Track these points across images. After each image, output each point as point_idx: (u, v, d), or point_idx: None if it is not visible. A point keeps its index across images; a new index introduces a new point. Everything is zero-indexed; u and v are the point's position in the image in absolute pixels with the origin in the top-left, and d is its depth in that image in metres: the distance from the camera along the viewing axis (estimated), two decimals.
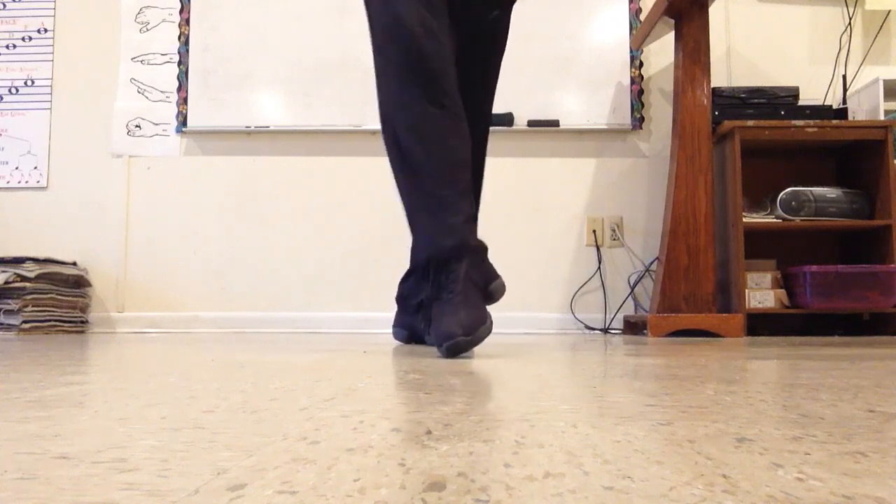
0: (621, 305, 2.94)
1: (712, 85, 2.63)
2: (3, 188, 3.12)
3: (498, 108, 2.90)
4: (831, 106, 2.76)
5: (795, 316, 2.71)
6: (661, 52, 2.98)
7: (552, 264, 2.97)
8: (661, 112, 3.01)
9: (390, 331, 1.85)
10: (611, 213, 2.99)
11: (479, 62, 1.61)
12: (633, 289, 2.94)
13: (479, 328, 1.22)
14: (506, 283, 1.50)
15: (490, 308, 1.37)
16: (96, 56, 3.15)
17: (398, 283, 1.75)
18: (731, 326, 2.37)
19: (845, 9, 3.02)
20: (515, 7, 1.67)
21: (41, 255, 2.87)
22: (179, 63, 3.09)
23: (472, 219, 1.40)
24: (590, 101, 2.97)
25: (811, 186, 2.62)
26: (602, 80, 2.98)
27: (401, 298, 1.74)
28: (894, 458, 0.36)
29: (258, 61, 3.04)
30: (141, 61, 3.13)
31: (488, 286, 1.40)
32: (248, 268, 3.03)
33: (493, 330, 1.35)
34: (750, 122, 2.57)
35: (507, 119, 2.95)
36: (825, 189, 2.61)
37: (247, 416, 0.51)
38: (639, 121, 2.98)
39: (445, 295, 1.29)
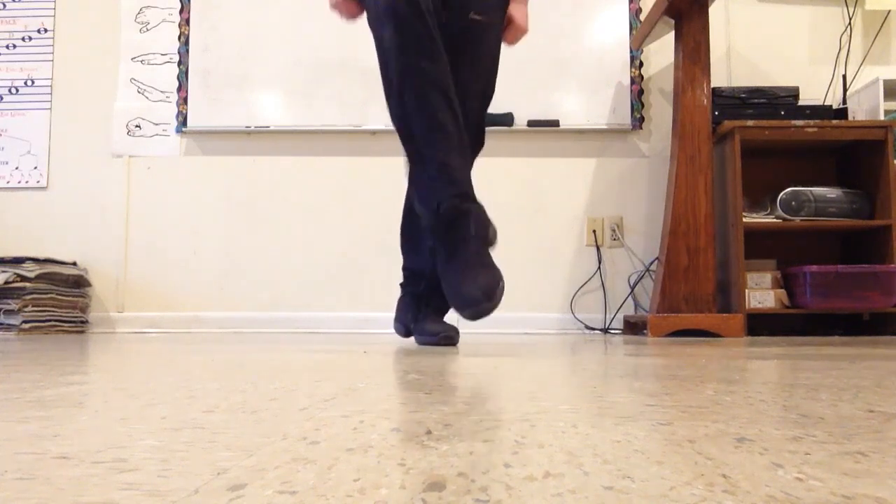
0: (621, 305, 2.94)
1: (712, 85, 2.63)
2: (3, 188, 3.12)
3: (498, 108, 2.92)
4: (831, 106, 2.76)
5: (795, 316, 2.71)
6: (661, 52, 2.98)
7: (552, 264, 2.97)
8: (661, 112, 3.01)
9: (390, 331, 1.88)
10: (611, 213, 2.99)
11: (464, 67, 1.60)
12: (633, 289, 2.94)
13: (496, 290, 1.27)
14: (506, 281, 1.52)
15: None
16: (96, 56, 3.15)
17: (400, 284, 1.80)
18: (731, 326, 2.37)
19: (845, 9, 3.02)
20: None
21: (41, 255, 2.87)
22: (179, 63, 3.09)
23: (469, 180, 1.44)
24: (590, 101, 2.97)
25: (811, 186, 2.62)
26: (602, 80, 2.98)
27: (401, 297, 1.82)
28: (894, 458, 0.36)
29: (258, 61, 3.04)
30: (141, 61, 3.13)
31: (489, 233, 1.41)
32: (248, 268, 3.03)
33: (494, 330, 1.39)
34: (750, 122, 2.57)
35: (507, 119, 2.95)
36: (825, 189, 2.61)
37: (247, 416, 0.51)
38: (639, 121, 2.98)
39: (457, 259, 1.32)
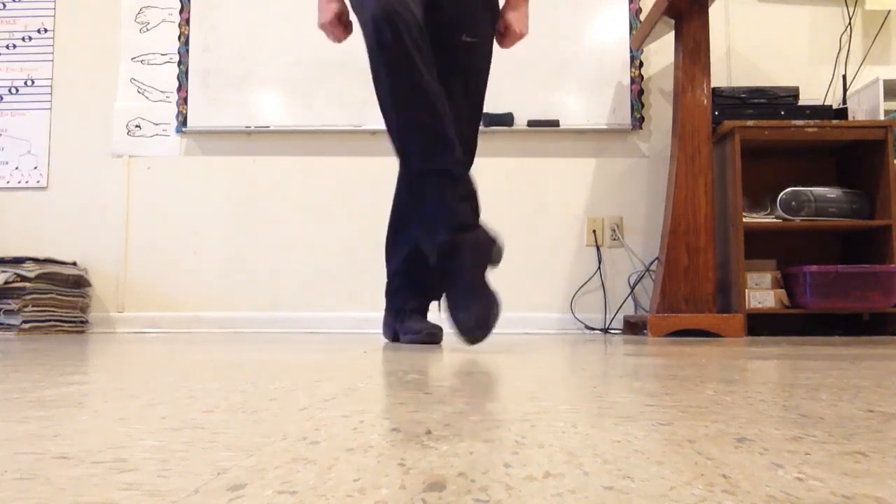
0: (621, 305, 2.94)
1: (712, 85, 2.63)
2: (3, 188, 3.12)
3: (498, 108, 2.92)
4: (831, 106, 2.76)
5: (795, 316, 2.71)
6: (661, 52, 2.98)
7: (552, 264, 2.97)
8: (661, 112, 3.01)
9: None
10: (611, 213, 2.99)
11: (455, 88, 1.61)
12: (633, 289, 2.94)
13: (489, 319, 1.39)
14: (506, 281, 1.55)
15: None
16: (96, 56, 3.15)
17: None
18: (731, 326, 2.37)
19: (845, 9, 3.02)
20: None
21: (41, 255, 2.87)
22: (179, 63, 3.09)
23: (467, 196, 1.49)
24: (590, 101, 2.97)
25: (811, 186, 2.62)
26: (602, 80, 2.98)
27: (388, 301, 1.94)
28: (894, 458, 0.36)
29: (258, 61, 3.04)
30: (141, 61, 3.13)
31: (489, 258, 1.47)
32: (248, 268, 3.03)
33: (494, 330, 1.41)
34: (750, 122, 2.57)
35: (507, 119, 2.95)
36: (825, 189, 2.61)
37: (247, 416, 0.51)
38: (639, 121, 2.98)
39: (455, 288, 1.43)
